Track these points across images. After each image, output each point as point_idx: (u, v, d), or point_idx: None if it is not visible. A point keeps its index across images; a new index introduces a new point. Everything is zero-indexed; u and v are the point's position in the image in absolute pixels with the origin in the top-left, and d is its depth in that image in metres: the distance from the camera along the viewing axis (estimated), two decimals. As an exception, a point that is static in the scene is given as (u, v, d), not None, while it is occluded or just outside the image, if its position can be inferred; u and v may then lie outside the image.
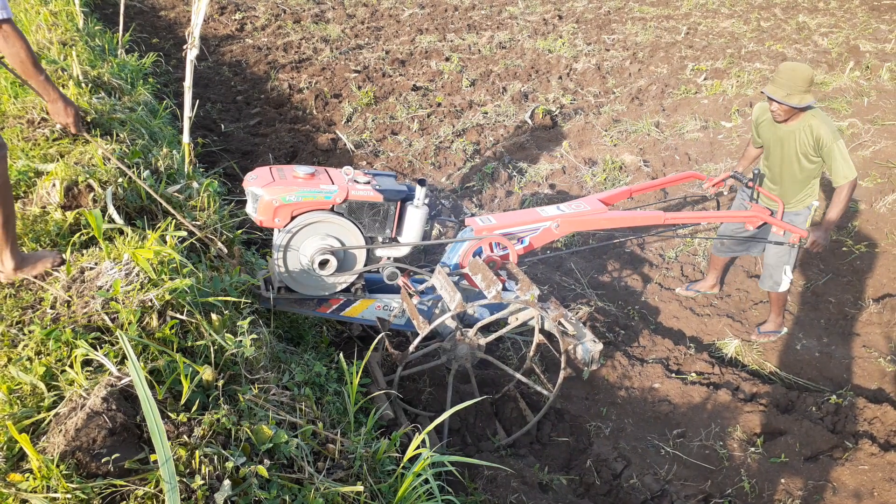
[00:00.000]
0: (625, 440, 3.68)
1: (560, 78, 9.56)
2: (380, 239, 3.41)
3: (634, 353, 4.34)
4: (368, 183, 3.32)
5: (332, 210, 3.21)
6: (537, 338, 3.56)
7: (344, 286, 3.40)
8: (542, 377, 3.71)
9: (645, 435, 3.75)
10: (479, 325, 3.40)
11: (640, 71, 9.97)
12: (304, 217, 3.15)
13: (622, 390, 4.01)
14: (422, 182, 3.33)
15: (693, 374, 4.13)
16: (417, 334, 3.18)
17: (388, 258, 3.48)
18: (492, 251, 3.58)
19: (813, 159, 4.01)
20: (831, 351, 4.46)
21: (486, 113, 8.18)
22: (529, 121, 7.95)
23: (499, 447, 3.55)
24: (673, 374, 4.11)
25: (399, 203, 3.36)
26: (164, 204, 3.33)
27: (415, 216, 3.36)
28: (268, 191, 3.08)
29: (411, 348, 3.19)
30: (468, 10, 13.91)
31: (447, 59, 10.15)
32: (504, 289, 3.44)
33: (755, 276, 5.24)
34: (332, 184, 3.21)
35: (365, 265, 3.38)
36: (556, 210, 3.79)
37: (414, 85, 8.93)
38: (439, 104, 8.43)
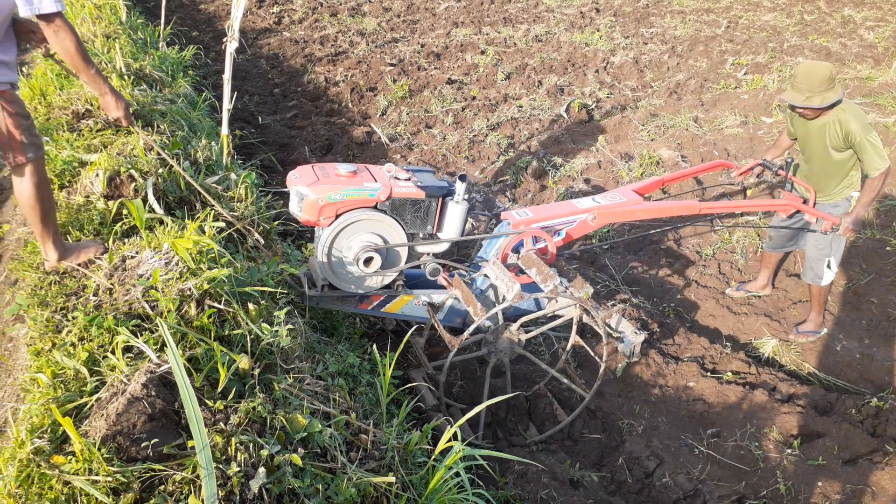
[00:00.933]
0: (658, 438, 3.64)
1: (597, 72, 9.46)
2: (420, 235, 3.42)
3: (669, 351, 4.29)
4: (409, 179, 3.34)
5: (375, 207, 3.24)
6: (574, 337, 3.54)
7: (386, 282, 3.42)
8: (576, 376, 3.70)
9: (679, 434, 3.70)
10: (524, 319, 3.40)
11: (679, 65, 9.81)
12: (348, 215, 3.18)
13: (656, 388, 3.97)
14: (462, 177, 3.34)
15: (729, 374, 4.06)
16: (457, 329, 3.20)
17: (429, 254, 3.49)
18: (533, 245, 3.58)
19: (844, 151, 3.96)
20: (873, 353, 4.35)
21: (521, 107, 8.13)
22: (565, 115, 7.89)
23: (530, 443, 3.54)
24: (708, 373, 4.06)
25: (440, 199, 3.37)
26: (204, 194, 3.38)
27: (456, 211, 3.37)
28: (313, 190, 3.11)
29: (466, 334, 3.19)
30: (504, 2, 13.83)
31: (482, 53, 10.11)
32: (529, 287, 3.44)
33: (794, 274, 5.13)
34: (376, 181, 3.24)
35: (407, 262, 3.40)
36: (591, 202, 3.77)
37: (449, 78, 8.91)
38: (474, 98, 8.41)
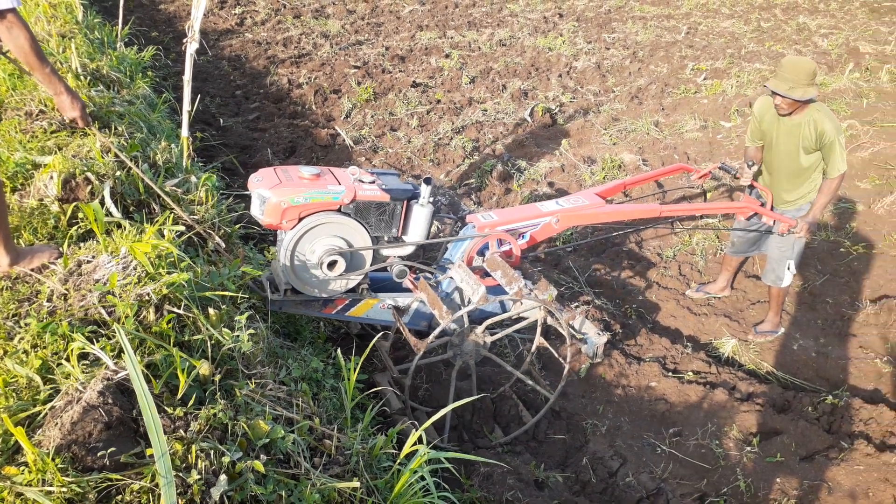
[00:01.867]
0: (621, 438, 3.68)
1: (560, 76, 9.55)
2: (385, 238, 3.40)
3: (632, 352, 4.34)
4: (374, 182, 3.31)
5: (339, 211, 3.20)
6: (539, 339, 3.56)
7: (351, 286, 3.39)
8: (540, 377, 3.72)
9: (641, 433, 3.75)
10: (490, 321, 3.41)
11: (640, 70, 9.96)
12: (311, 218, 3.13)
13: (619, 388, 4.02)
14: (427, 180, 3.33)
15: (690, 373, 4.13)
16: (419, 332, 3.19)
17: (396, 256, 3.48)
18: (497, 248, 3.59)
19: (812, 153, 4.06)
20: (828, 351, 4.46)
21: (486, 110, 8.17)
22: (529, 118, 7.95)
23: (495, 444, 3.55)
24: (670, 373, 4.12)
25: (405, 202, 3.35)
26: (164, 197, 3.32)
27: (421, 215, 3.36)
28: (275, 193, 3.05)
29: (431, 337, 3.18)
30: (469, 6, 13.89)
31: (447, 56, 10.13)
32: (494, 290, 3.45)
33: (753, 276, 5.24)
34: (339, 184, 3.20)
35: (371, 265, 3.37)
36: (555, 205, 3.80)
37: (413, 81, 8.91)
38: (439, 101, 8.42)
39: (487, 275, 3.54)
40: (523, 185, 6.44)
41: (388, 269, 3.43)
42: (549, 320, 3.54)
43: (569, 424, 3.78)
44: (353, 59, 9.76)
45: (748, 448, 3.60)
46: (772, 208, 4.32)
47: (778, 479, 3.41)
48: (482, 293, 3.16)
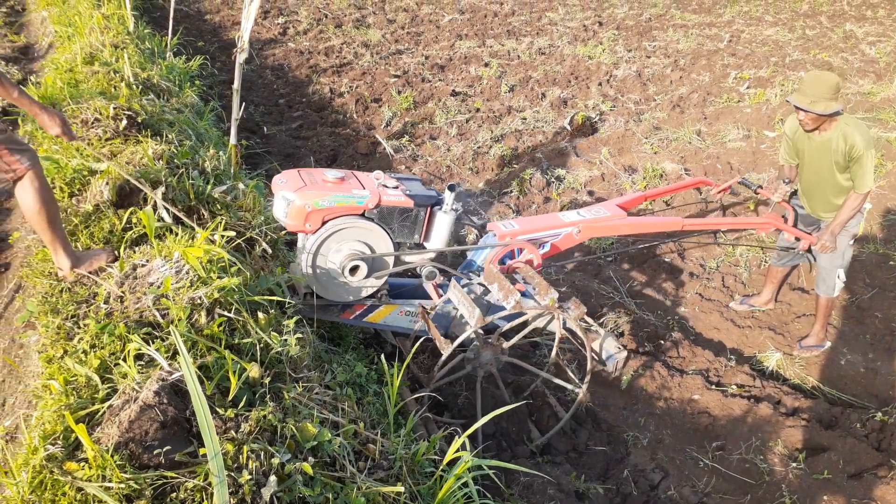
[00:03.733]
0: (663, 451, 3.64)
1: (600, 84, 9.51)
2: (407, 244, 3.38)
3: (674, 364, 4.29)
4: (398, 188, 3.29)
5: (363, 215, 3.19)
6: (559, 335, 3.51)
7: (371, 292, 3.37)
8: (570, 373, 3.67)
9: (683, 447, 3.71)
10: (500, 331, 3.37)
11: (682, 78, 9.87)
12: (335, 222, 3.12)
13: (661, 401, 3.98)
14: (452, 187, 3.30)
15: (733, 387, 4.07)
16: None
17: (427, 258, 3.47)
18: (514, 256, 3.57)
19: (845, 170, 4.01)
20: (877, 367, 4.35)
21: (525, 119, 8.18)
22: (568, 127, 7.93)
23: (534, 452, 3.54)
24: (713, 386, 4.06)
25: (429, 208, 3.34)
26: (213, 203, 3.40)
27: (443, 221, 3.34)
28: (300, 195, 3.04)
29: (462, 338, 3.13)
30: (508, 15, 13.92)
31: (486, 65, 10.17)
32: (524, 294, 3.41)
33: (798, 288, 5.14)
34: (364, 189, 3.19)
35: (392, 270, 3.35)
36: (576, 215, 3.79)
37: (453, 90, 8.97)
38: (478, 109, 8.46)
39: (516, 281, 3.52)
40: (563, 194, 6.42)
41: (418, 269, 3.39)
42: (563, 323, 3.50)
43: (609, 436, 3.75)
44: (393, 68, 9.87)
45: (794, 464, 3.53)
46: (794, 224, 4.30)
47: (825, 497, 3.34)
48: (477, 316, 3.07)
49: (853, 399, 4.13)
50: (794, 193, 4.49)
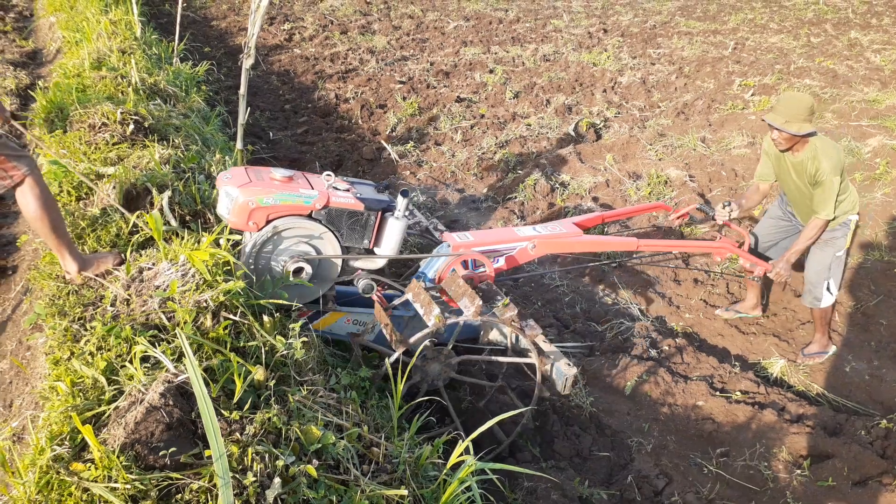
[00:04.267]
0: (667, 457, 3.64)
1: (604, 91, 9.53)
2: (357, 249, 3.28)
3: (678, 370, 4.29)
4: (348, 190, 3.21)
5: (310, 216, 3.09)
6: (511, 357, 3.48)
7: (314, 297, 3.25)
8: (512, 395, 3.68)
9: (687, 453, 3.70)
10: (450, 345, 3.32)
11: (686, 85, 9.88)
12: (280, 222, 3.02)
13: (665, 407, 3.97)
14: (405, 192, 3.22)
15: (738, 393, 4.06)
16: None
17: (362, 269, 3.35)
18: (467, 268, 3.51)
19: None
20: (882, 374, 4.34)
21: (530, 125, 8.20)
22: (573, 133, 7.94)
23: (537, 458, 3.54)
24: (717, 393, 4.06)
25: (379, 213, 3.25)
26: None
27: (395, 227, 3.25)
28: (244, 191, 2.92)
29: (418, 336, 3.03)
30: (513, 22, 13.97)
31: (491, 72, 10.21)
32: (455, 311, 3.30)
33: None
34: (312, 189, 3.09)
35: (339, 276, 3.25)
36: (532, 231, 3.78)
37: (458, 96, 9.00)
38: (483, 116, 8.48)
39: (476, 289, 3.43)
40: (567, 200, 6.43)
41: (354, 282, 3.27)
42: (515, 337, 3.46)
43: (613, 442, 3.75)
44: (398, 74, 9.91)
45: (798, 471, 3.52)
46: (749, 250, 4.34)
47: (829, 504, 3.33)
48: (436, 314, 3.01)
49: (858, 406, 4.12)
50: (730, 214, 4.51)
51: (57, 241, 2.91)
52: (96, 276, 2.90)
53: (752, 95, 9.21)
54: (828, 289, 4.31)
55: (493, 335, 3.65)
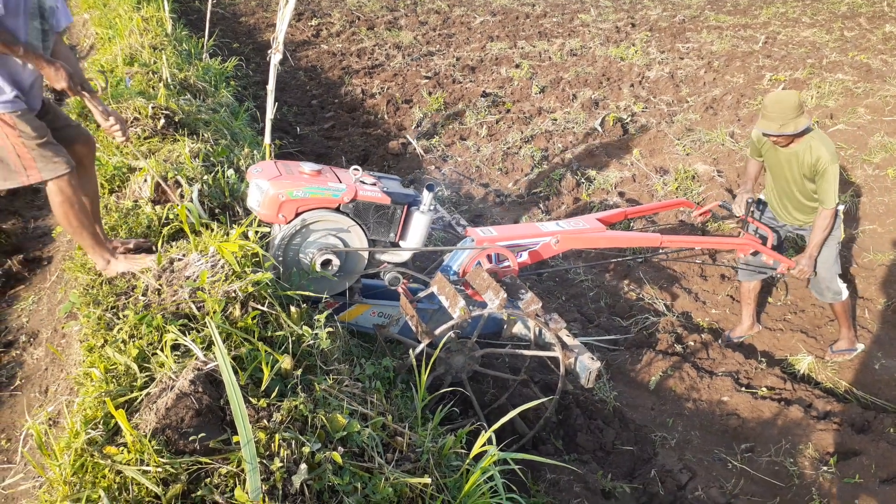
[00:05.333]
0: (691, 452, 3.63)
1: (632, 86, 9.46)
2: (383, 242, 3.31)
3: (703, 366, 4.27)
4: (375, 184, 3.26)
5: (337, 209, 3.14)
6: (534, 351, 3.47)
7: (341, 289, 3.30)
8: (535, 389, 3.67)
9: (712, 448, 3.69)
10: (474, 338, 3.31)
11: (715, 80, 9.76)
12: (309, 214, 3.07)
13: (689, 402, 3.96)
14: (430, 187, 3.26)
15: (764, 389, 4.03)
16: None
17: (389, 263, 3.39)
18: (490, 263, 3.53)
19: (811, 178, 4.03)
20: (913, 372, 4.28)
21: (556, 120, 8.17)
22: (599, 128, 7.90)
23: (560, 450, 3.55)
24: (743, 388, 4.03)
25: (406, 207, 3.29)
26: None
27: (420, 221, 3.29)
28: (274, 184, 2.98)
29: (442, 329, 3.06)
30: (539, 17, 13.91)
31: (517, 66, 10.18)
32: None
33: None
34: (340, 182, 3.15)
35: (366, 269, 3.29)
36: (555, 226, 3.78)
37: (483, 91, 9.00)
38: (508, 110, 8.47)
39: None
40: (593, 195, 6.41)
41: (381, 275, 3.32)
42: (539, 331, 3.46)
43: (637, 436, 3.74)
44: (424, 69, 9.93)
45: (824, 468, 3.49)
46: (772, 247, 4.30)
47: (856, 501, 3.29)
48: (462, 306, 3.03)
49: (887, 403, 4.06)
50: (764, 205, 4.49)
51: (82, 241, 2.94)
52: (125, 272, 2.95)
53: (782, 90, 9.07)
54: (838, 276, 4.30)
55: (517, 329, 3.66)
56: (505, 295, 3.15)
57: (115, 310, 2.66)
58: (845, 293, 4.33)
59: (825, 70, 9.88)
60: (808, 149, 3.95)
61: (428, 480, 2.25)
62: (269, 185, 2.99)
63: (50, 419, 2.37)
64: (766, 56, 10.77)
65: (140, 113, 4.53)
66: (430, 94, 8.78)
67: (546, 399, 3.20)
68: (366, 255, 3.30)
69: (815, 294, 4.46)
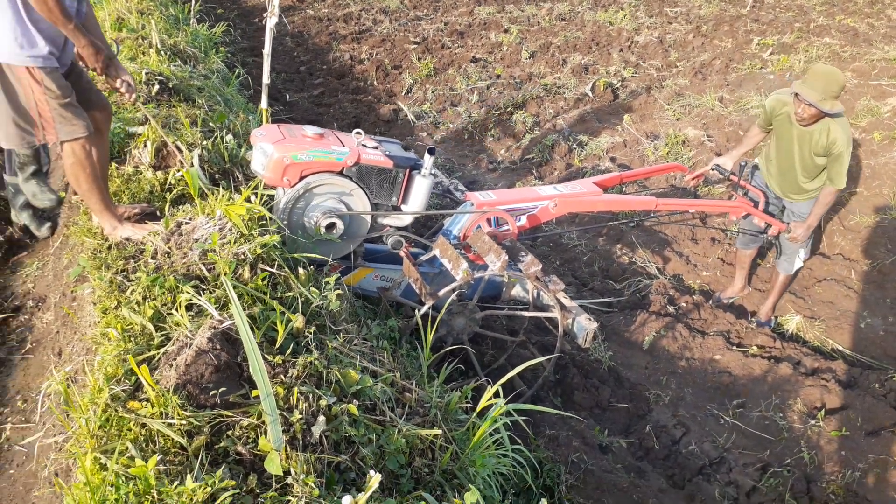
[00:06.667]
0: (684, 408, 3.75)
1: (621, 51, 9.46)
2: (385, 206, 3.35)
3: (696, 326, 4.38)
4: (377, 148, 3.28)
5: (341, 173, 3.16)
6: (533, 312, 3.58)
7: (345, 252, 3.35)
8: (534, 349, 3.79)
9: (704, 404, 3.81)
10: (475, 300, 3.39)
11: (704, 45, 9.77)
12: (313, 178, 3.08)
13: (682, 361, 4.07)
14: (431, 151, 3.28)
15: (754, 348, 4.16)
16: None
17: (391, 227, 3.43)
18: (490, 226, 3.59)
19: (824, 157, 4.01)
20: (896, 330, 4.42)
21: (546, 85, 8.17)
22: (590, 93, 7.92)
23: (559, 408, 3.65)
24: (734, 347, 4.15)
25: (407, 170, 3.32)
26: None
27: (422, 185, 3.32)
28: (279, 148, 2.99)
29: (447, 290, 3.14)
30: (527, -19, 13.77)
31: (506, 31, 10.13)
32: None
33: (820, 253, 5.19)
34: (343, 146, 3.16)
35: (369, 232, 3.34)
36: (553, 190, 3.83)
37: (473, 57, 8.96)
38: (498, 76, 8.46)
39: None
40: (584, 160, 6.46)
41: (384, 238, 3.36)
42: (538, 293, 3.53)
43: (632, 394, 3.86)
44: (412, 34, 9.85)
45: (812, 422, 3.62)
46: (764, 210, 4.37)
47: (842, 453, 3.44)
48: (464, 268, 3.10)
49: (872, 361, 4.21)
50: (756, 169, 4.53)
51: (91, 203, 2.97)
52: (131, 237, 2.97)
53: (770, 54, 9.11)
54: (799, 256, 4.40)
55: (516, 291, 3.74)
56: (506, 257, 3.22)
57: (125, 273, 2.69)
58: (796, 268, 4.44)
59: (812, 34, 9.92)
60: (826, 131, 3.88)
61: (439, 432, 2.33)
62: (273, 148, 3.01)
63: (68, 378, 2.42)
64: (753, 20, 10.78)
65: (133, 79, 4.48)
66: (419, 59, 8.74)
67: (545, 358, 3.30)
68: (369, 218, 3.33)
69: (773, 258, 4.56)
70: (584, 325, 3.44)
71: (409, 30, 10.13)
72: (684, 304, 4.54)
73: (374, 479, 1.79)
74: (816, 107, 3.76)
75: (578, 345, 3.48)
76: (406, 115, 7.33)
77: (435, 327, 2.99)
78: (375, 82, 8.28)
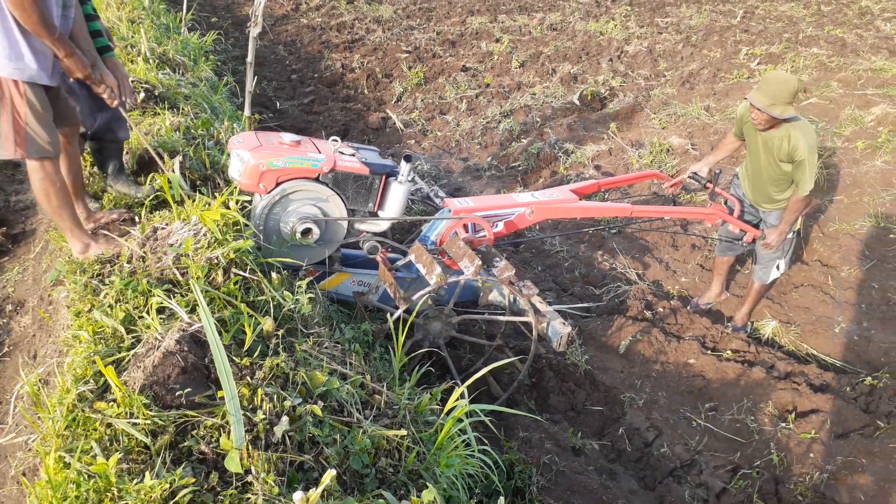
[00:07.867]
0: (657, 411, 3.80)
1: (611, 60, 9.55)
2: (362, 212, 3.40)
3: (671, 330, 4.43)
4: (353, 155, 3.34)
5: (317, 179, 3.22)
6: (509, 316, 3.62)
7: (321, 258, 3.40)
8: (510, 353, 3.80)
9: (678, 407, 3.86)
10: (450, 304, 3.44)
11: (693, 55, 9.87)
12: (289, 184, 3.14)
13: (657, 364, 4.13)
14: (408, 158, 3.35)
15: (729, 352, 4.21)
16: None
17: (368, 232, 3.48)
18: (467, 232, 3.64)
19: (788, 164, 4.05)
20: (870, 335, 4.47)
21: (535, 94, 8.25)
22: (578, 102, 8.00)
23: (532, 410, 3.70)
24: (708, 351, 4.20)
25: (384, 177, 3.37)
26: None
27: (398, 191, 3.38)
28: (255, 155, 3.05)
29: (421, 294, 3.18)
30: (520, -9, 13.88)
31: (497, 41, 10.22)
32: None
33: (799, 260, 5.25)
34: (320, 153, 3.22)
35: (345, 238, 3.38)
36: (530, 197, 3.90)
37: (464, 65, 9.05)
38: (488, 85, 8.54)
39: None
40: (570, 168, 6.53)
41: (360, 244, 3.41)
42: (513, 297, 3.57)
43: (606, 397, 3.91)
44: (404, 43, 9.95)
45: (783, 424, 3.67)
46: (739, 217, 4.42)
47: (811, 455, 3.48)
48: (438, 273, 3.15)
49: (846, 365, 4.26)
50: (736, 177, 4.56)
51: (60, 222, 2.92)
52: (102, 253, 2.96)
53: (757, 64, 9.20)
54: (777, 267, 4.43)
55: (493, 296, 3.80)
56: (480, 262, 3.28)
57: (100, 277, 2.75)
58: (772, 278, 4.48)
59: (801, 44, 10.02)
60: (787, 137, 3.93)
61: (404, 432, 2.38)
62: (249, 155, 3.08)
63: (40, 380, 2.47)
64: (743, 31, 10.89)
65: (128, 80, 4.55)
66: (410, 68, 8.82)
67: (517, 358, 3.35)
68: (345, 224, 3.39)
69: (751, 265, 4.63)
70: (559, 330, 3.50)
71: (402, 39, 10.23)
72: (661, 310, 4.60)
73: (327, 474, 1.84)
74: (766, 112, 3.83)
75: (553, 348, 3.53)
76: (395, 123, 7.40)
77: (409, 331, 3.05)
78: (366, 91, 8.36)
